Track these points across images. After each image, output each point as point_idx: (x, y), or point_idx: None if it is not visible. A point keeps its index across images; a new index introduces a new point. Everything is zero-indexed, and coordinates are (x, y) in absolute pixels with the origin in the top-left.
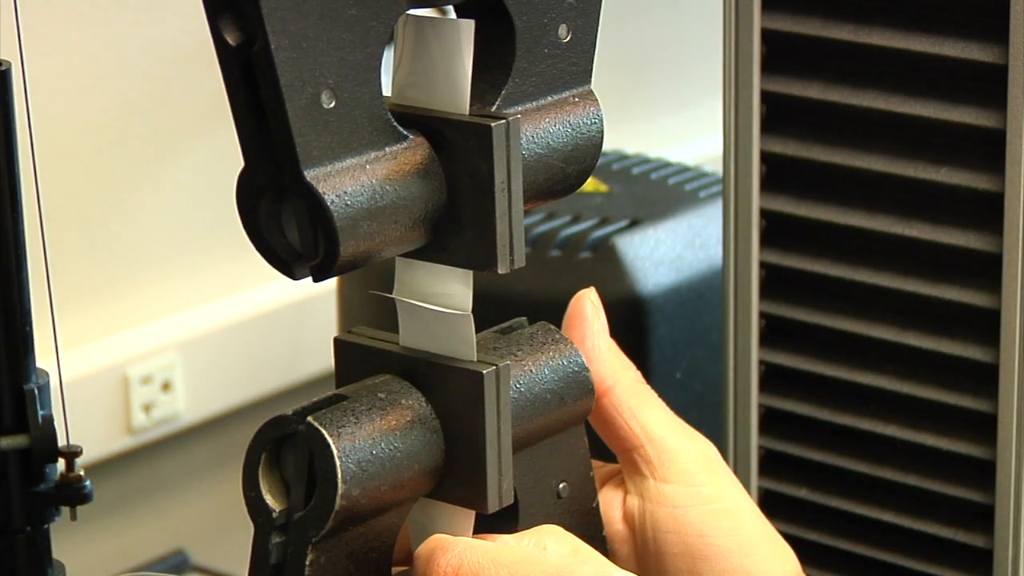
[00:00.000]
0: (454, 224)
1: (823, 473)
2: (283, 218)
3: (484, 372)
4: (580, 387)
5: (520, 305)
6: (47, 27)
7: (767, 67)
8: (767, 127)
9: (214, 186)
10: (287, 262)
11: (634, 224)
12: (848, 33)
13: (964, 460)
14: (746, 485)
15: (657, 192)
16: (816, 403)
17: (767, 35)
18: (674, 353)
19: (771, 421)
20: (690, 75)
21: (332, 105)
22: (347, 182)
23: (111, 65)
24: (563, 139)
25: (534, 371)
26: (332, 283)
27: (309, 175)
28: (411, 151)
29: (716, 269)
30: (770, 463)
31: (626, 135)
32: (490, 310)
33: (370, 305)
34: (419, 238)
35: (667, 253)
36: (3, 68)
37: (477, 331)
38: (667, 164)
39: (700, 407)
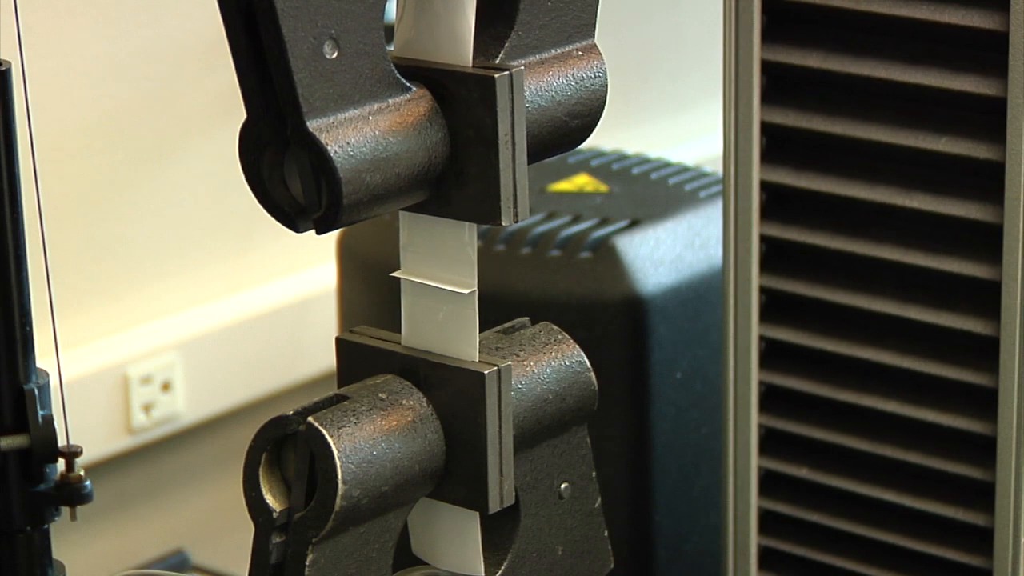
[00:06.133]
0: (458, 177)
1: (824, 452)
2: (286, 170)
3: (485, 372)
4: (582, 388)
5: (520, 305)
6: (47, 27)
7: (767, 36)
8: (767, 97)
9: (214, 186)
10: (290, 215)
11: (634, 224)
12: (849, 1)
13: (965, 437)
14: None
15: (657, 192)
16: (816, 379)
17: (767, 4)
18: (674, 353)
19: (771, 399)
20: (690, 76)
21: (335, 55)
22: (350, 133)
23: (111, 65)
24: (567, 92)
25: (536, 371)
26: (332, 283)
27: (312, 126)
28: (414, 103)
29: (716, 269)
30: (771, 442)
31: (626, 135)
32: (490, 310)
33: (370, 305)
34: (422, 190)
35: (667, 253)
36: (3, 68)
37: (479, 331)
38: (667, 164)
39: (700, 407)
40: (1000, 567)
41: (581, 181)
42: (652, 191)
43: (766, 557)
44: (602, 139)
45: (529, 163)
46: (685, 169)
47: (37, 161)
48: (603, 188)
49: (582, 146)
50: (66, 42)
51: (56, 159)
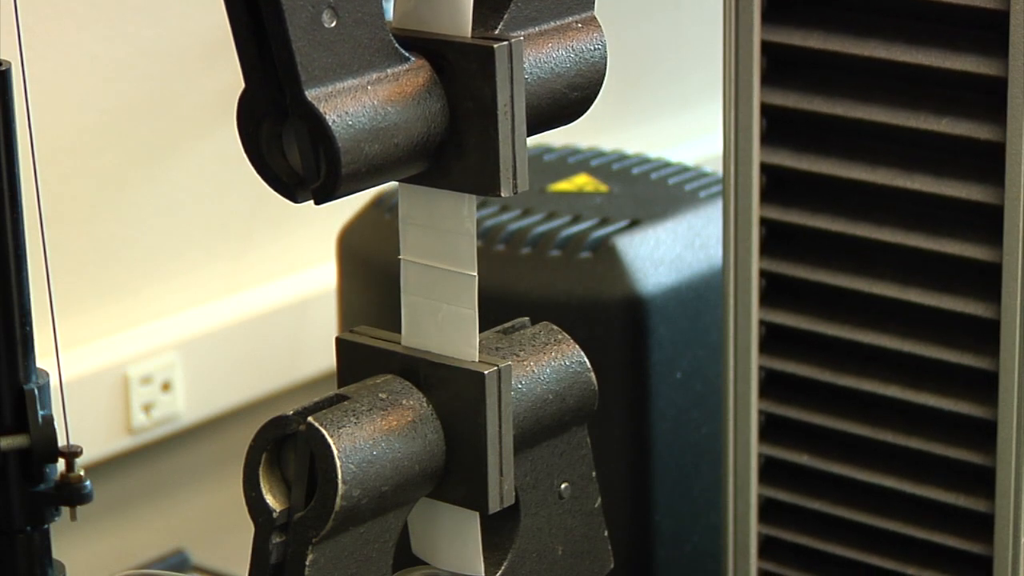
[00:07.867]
0: (456, 148)
1: (824, 438)
2: (284, 141)
3: (485, 373)
4: (582, 388)
5: (520, 305)
6: (47, 27)
7: (767, 17)
8: (768, 79)
9: (214, 186)
10: (289, 186)
11: (634, 224)
12: None
13: (966, 421)
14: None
15: (657, 192)
16: (817, 364)
17: None
18: (674, 353)
19: (772, 384)
20: (690, 76)
21: (333, 24)
22: (348, 103)
23: (111, 65)
24: (566, 64)
25: (536, 371)
26: (332, 283)
27: (310, 95)
28: (413, 73)
29: (716, 269)
30: (771, 429)
31: (626, 135)
32: (490, 310)
33: (370, 305)
34: (421, 161)
35: (667, 253)
36: (3, 68)
37: (479, 331)
38: (667, 164)
39: (700, 407)
40: (1000, 553)
41: (581, 181)
42: (652, 191)
43: (766, 545)
44: (602, 139)
45: (528, 135)
46: (685, 169)
47: (37, 161)
48: (603, 188)
49: (582, 146)
50: (66, 42)
51: (56, 159)
